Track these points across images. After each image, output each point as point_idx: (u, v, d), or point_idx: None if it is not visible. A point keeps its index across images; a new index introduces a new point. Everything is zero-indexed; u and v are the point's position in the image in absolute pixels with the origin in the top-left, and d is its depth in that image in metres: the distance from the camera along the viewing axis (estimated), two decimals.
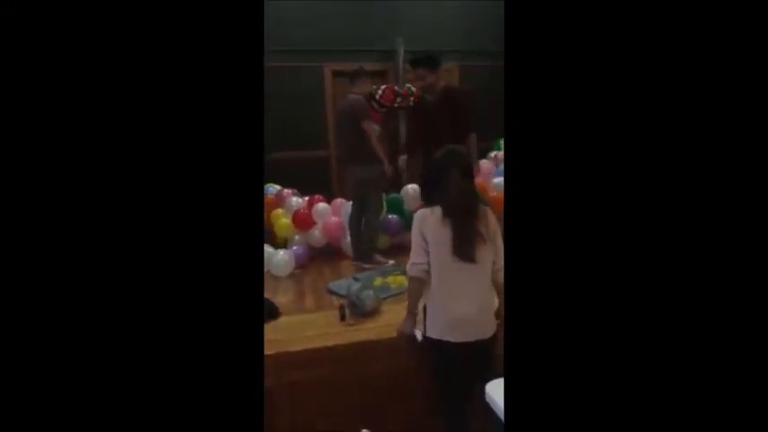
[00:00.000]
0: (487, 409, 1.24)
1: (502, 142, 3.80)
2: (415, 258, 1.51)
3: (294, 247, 2.96)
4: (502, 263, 1.54)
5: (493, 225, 1.53)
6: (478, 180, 3.48)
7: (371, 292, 1.96)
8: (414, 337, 1.60)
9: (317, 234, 3.09)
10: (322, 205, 3.16)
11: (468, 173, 1.53)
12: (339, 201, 3.25)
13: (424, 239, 1.49)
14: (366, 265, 2.81)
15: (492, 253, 1.51)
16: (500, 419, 1.18)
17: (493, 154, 3.73)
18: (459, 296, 1.48)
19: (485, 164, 3.63)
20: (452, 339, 1.48)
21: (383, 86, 4.44)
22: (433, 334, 1.52)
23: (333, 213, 3.15)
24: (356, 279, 2.19)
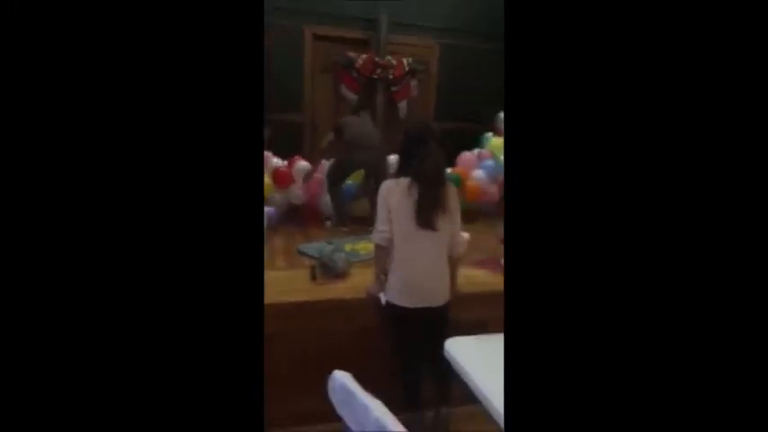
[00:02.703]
0: (447, 364, 1.38)
1: (490, 140, 3.91)
2: (380, 226, 1.62)
3: (266, 208, 3.01)
4: (459, 237, 1.68)
5: (454, 199, 1.65)
6: (459, 168, 3.62)
7: (343, 255, 2.05)
8: (379, 299, 1.73)
9: (297, 191, 3.15)
10: (302, 163, 3.21)
11: (438, 145, 1.63)
12: (323, 162, 3.32)
13: (388, 209, 1.59)
14: (344, 229, 2.93)
15: (450, 224, 1.63)
16: (457, 373, 1.32)
17: (476, 151, 3.85)
18: (417, 263, 1.60)
19: (467, 155, 3.75)
20: (406, 304, 1.61)
21: (363, 56, 4.44)
22: (390, 298, 1.64)
23: (314, 171, 3.22)
24: (329, 242, 2.27)
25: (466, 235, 2.49)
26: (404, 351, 1.69)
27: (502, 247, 2.37)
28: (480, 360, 1.29)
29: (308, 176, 3.21)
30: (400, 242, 1.60)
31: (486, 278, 2.16)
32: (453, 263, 1.70)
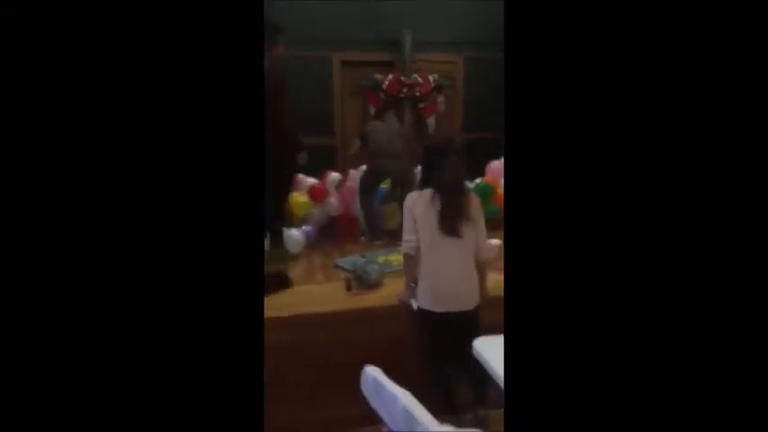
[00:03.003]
0: (475, 362, 1.43)
1: None
2: (406, 236, 1.71)
3: (304, 227, 3.16)
4: (484, 243, 1.73)
5: (476, 206, 1.72)
6: (490, 177, 3.66)
7: (376, 266, 2.15)
8: (410, 305, 1.80)
9: (332, 201, 3.32)
10: (334, 174, 3.41)
11: (458, 157, 1.72)
12: (351, 171, 3.48)
13: (414, 219, 1.68)
14: (377, 242, 3.04)
15: (474, 231, 1.69)
16: (486, 370, 1.37)
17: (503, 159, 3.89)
18: (444, 270, 1.67)
19: (496, 164, 3.80)
20: (436, 309, 1.68)
21: (390, 76, 4.60)
22: (421, 304, 1.71)
23: (345, 180, 3.42)
24: (362, 256, 2.38)
25: (497, 241, 2.54)
26: (437, 355, 1.75)
27: None
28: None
29: (340, 184, 3.36)
30: (427, 250, 1.68)
31: None
32: (481, 268, 1.76)
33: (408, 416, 0.92)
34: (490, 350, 1.38)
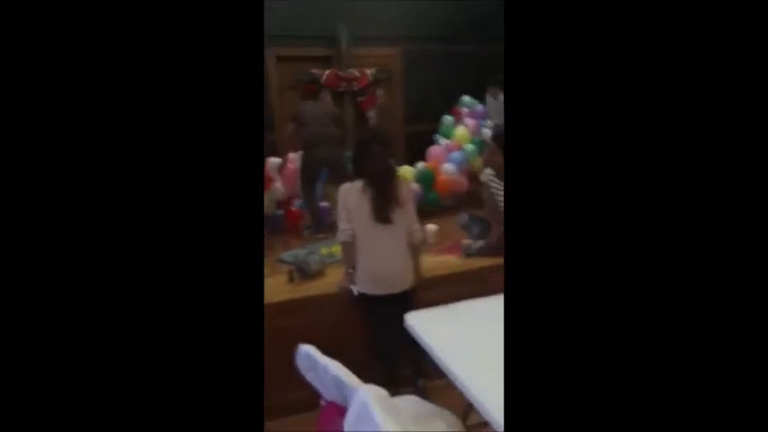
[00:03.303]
0: (407, 334, 1.54)
1: (450, 130, 4.13)
2: (342, 225, 1.80)
3: None
4: (415, 227, 1.85)
5: (405, 192, 1.83)
6: (430, 163, 3.80)
7: (317, 257, 2.21)
8: (351, 291, 1.89)
9: (278, 186, 3.34)
10: (273, 159, 3.41)
11: (385, 147, 1.82)
12: (291, 154, 3.53)
13: (348, 209, 1.77)
14: (321, 235, 3.10)
15: (406, 217, 1.80)
16: (416, 341, 1.48)
17: (443, 142, 4.05)
18: (379, 255, 1.77)
19: (436, 149, 3.93)
20: (374, 292, 1.78)
21: (327, 71, 4.63)
22: (360, 288, 1.81)
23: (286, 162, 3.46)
24: (305, 248, 2.43)
25: (433, 227, 2.68)
26: (377, 334, 1.85)
27: (464, 233, 2.56)
28: (438, 330, 1.45)
29: (280, 167, 3.42)
30: (362, 238, 1.77)
31: (451, 262, 2.34)
32: (414, 250, 1.87)
33: (339, 382, 1.01)
34: (421, 323, 1.50)
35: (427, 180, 3.61)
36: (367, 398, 0.86)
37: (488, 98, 4.63)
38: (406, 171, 3.60)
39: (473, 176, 3.70)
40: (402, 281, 1.81)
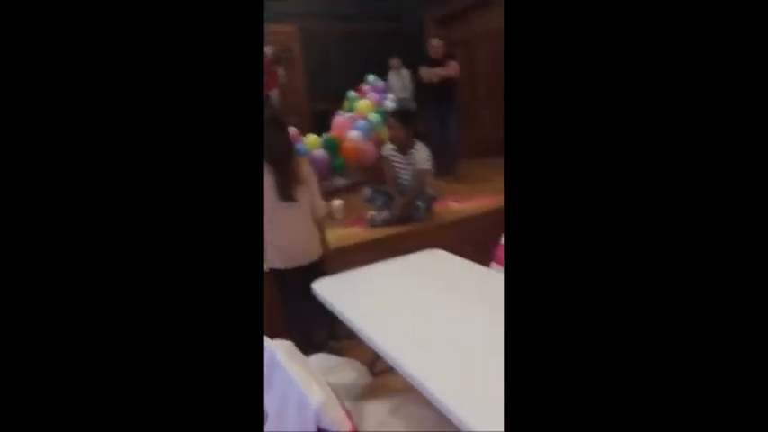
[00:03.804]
0: (317, 302, 1.67)
1: (354, 104, 4.23)
2: None
3: None
4: (319, 202, 1.96)
5: (306, 170, 1.93)
6: (335, 132, 3.88)
7: None
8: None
9: None
10: None
11: (282, 127, 1.89)
12: None
13: None
14: None
15: (308, 193, 1.91)
16: (322, 304, 1.61)
17: (348, 115, 4.14)
18: (286, 231, 1.87)
19: (340, 119, 4.00)
20: (284, 266, 1.89)
21: None
22: (271, 264, 1.91)
23: None
24: None
25: (339, 202, 2.82)
26: (291, 304, 1.96)
27: (368, 206, 2.74)
28: (343, 293, 1.59)
29: None
30: (268, 216, 1.85)
31: (357, 233, 2.51)
32: (319, 224, 1.99)
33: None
34: (326, 289, 1.64)
35: (332, 147, 3.70)
36: (274, 348, 0.98)
37: (391, 73, 4.81)
38: (311, 139, 3.66)
39: (379, 145, 3.88)
40: (309, 253, 1.93)
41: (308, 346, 1.95)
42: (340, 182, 3.75)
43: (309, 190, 1.91)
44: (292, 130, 3.44)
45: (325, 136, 3.78)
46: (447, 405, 0.93)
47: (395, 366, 1.15)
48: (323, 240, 2.01)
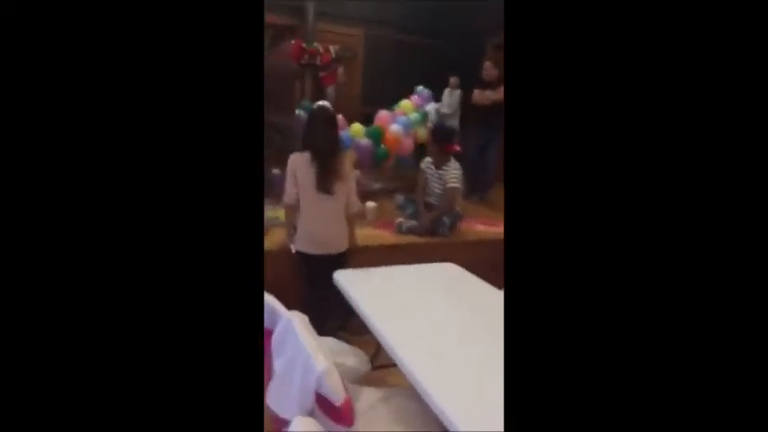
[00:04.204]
0: (336, 291, 1.80)
1: (400, 103, 4.41)
2: (288, 189, 2.03)
3: None
4: (353, 198, 2.10)
5: (348, 167, 2.07)
6: (378, 123, 4.04)
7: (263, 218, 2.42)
8: (289, 249, 2.12)
9: None
10: None
11: (332, 124, 2.03)
12: None
13: (295, 176, 2.00)
14: (269, 200, 3.28)
15: (345, 188, 2.04)
16: (343, 295, 1.73)
17: (392, 110, 4.33)
18: (318, 220, 2.02)
19: (383, 113, 4.18)
20: (310, 251, 2.04)
21: (291, 42, 4.70)
22: (298, 247, 2.06)
23: None
24: None
25: (373, 204, 2.96)
26: (309, 287, 2.10)
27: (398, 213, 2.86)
28: (361, 286, 1.72)
29: None
30: (305, 204, 2.01)
31: (384, 236, 2.64)
32: (350, 219, 2.13)
33: (270, 309, 1.26)
34: (346, 279, 1.77)
35: (376, 136, 3.91)
36: (290, 317, 1.11)
37: (446, 90, 4.93)
38: (356, 128, 3.85)
39: (417, 142, 4.03)
40: (336, 244, 2.06)
41: (318, 331, 2.09)
42: (378, 185, 3.89)
43: (347, 186, 2.05)
44: (339, 119, 3.62)
45: (369, 127, 3.96)
46: (437, 402, 1.02)
47: (394, 358, 1.26)
48: (351, 235, 2.14)
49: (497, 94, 3.75)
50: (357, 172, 3.47)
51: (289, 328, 1.11)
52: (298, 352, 1.07)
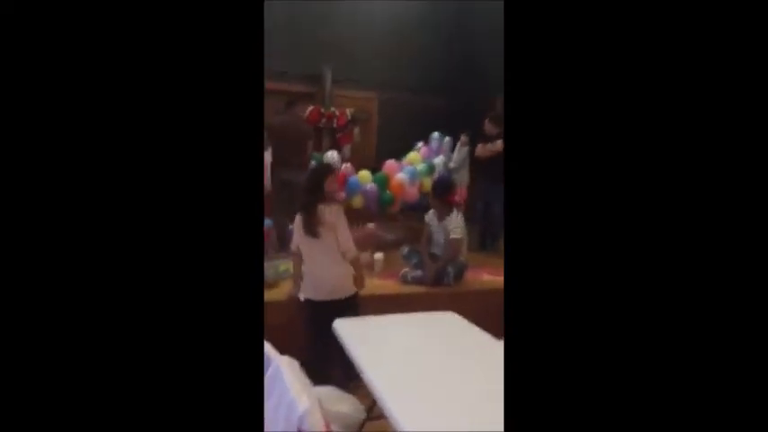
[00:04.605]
0: (335, 337, 1.86)
1: (408, 155, 4.64)
2: (293, 240, 2.24)
3: None
4: (348, 245, 2.16)
5: (335, 216, 2.15)
6: (386, 170, 4.24)
7: (272, 271, 2.58)
8: (297, 298, 2.24)
9: None
10: None
11: (320, 176, 2.21)
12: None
13: (295, 226, 2.22)
14: (283, 254, 3.44)
15: (333, 234, 2.13)
16: (341, 344, 1.79)
17: (400, 161, 4.55)
18: (316, 266, 2.17)
19: (391, 162, 4.40)
20: (315, 298, 2.15)
21: (310, 107, 5.09)
22: (304, 294, 2.19)
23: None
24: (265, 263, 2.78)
25: (380, 255, 3.07)
26: (313, 335, 2.19)
27: (404, 263, 2.96)
28: (359, 336, 1.76)
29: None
30: (302, 249, 2.18)
31: (389, 285, 2.74)
32: (355, 265, 2.21)
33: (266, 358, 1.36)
34: (345, 328, 1.84)
35: (382, 182, 4.13)
36: (279, 362, 1.21)
37: (457, 145, 5.15)
38: (363, 174, 4.09)
39: (422, 191, 4.20)
40: (340, 290, 2.16)
41: (322, 378, 2.13)
42: (391, 236, 4.02)
43: (336, 231, 2.14)
44: (347, 167, 3.91)
45: (376, 174, 4.17)
46: None
47: (382, 407, 1.26)
48: (358, 279, 2.22)
49: (497, 147, 3.90)
50: (371, 224, 3.64)
51: (277, 372, 1.21)
52: (283, 394, 1.16)
